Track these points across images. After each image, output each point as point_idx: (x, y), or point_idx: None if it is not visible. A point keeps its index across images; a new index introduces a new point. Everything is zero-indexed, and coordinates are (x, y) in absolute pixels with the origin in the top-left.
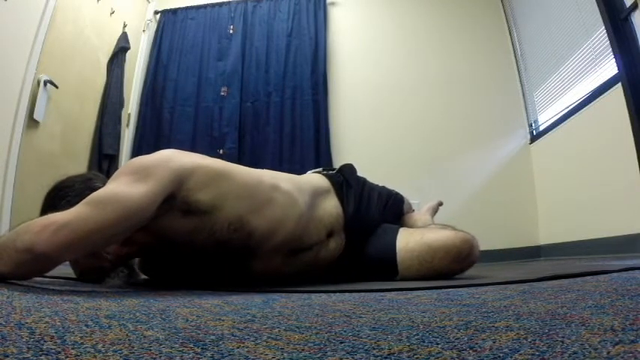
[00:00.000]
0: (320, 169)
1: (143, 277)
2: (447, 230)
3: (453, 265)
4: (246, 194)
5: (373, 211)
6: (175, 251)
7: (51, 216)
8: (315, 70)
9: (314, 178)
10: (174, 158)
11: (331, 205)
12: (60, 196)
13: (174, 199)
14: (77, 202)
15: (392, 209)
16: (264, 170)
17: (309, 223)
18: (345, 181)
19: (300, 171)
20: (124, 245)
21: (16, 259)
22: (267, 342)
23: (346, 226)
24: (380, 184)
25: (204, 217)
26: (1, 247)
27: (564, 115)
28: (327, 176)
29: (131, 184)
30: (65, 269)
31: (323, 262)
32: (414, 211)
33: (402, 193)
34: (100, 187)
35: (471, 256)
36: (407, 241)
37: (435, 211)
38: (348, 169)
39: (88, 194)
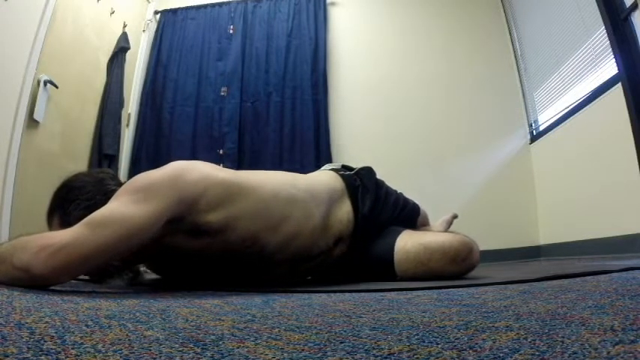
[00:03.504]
0: (339, 165)
1: (149, 277)
2: (446, 233)
3: (450, 266)
4: (261, 212)
5: (385, 217)
6: (185, 260)
7: (49, 236)
8: (315, 70)
9: (330, 180)
10: (182, 178)
11: (342, 212)
12: (69, 198)
13: (182, 222)
14: (87, 207)
15: (405, 218)
16: (281, 176)
17: (320, 233)
18: (363, 185)
19: (300, 171)
20: (131, 252)
21: (12, 274)
22: (267, 342)
23: (354, 232)
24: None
25: (216, 236)
26: (0, 258)
27: (564, 115)
28: (343, 177)
29: (133, 204)
30: None
31: (326, 265)
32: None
33: (401, 193)
34: (113, 190)
35: (469, 259)
36: (404, 242)
37: (449, 224)
38: (367, 172)
39: (100, 199)
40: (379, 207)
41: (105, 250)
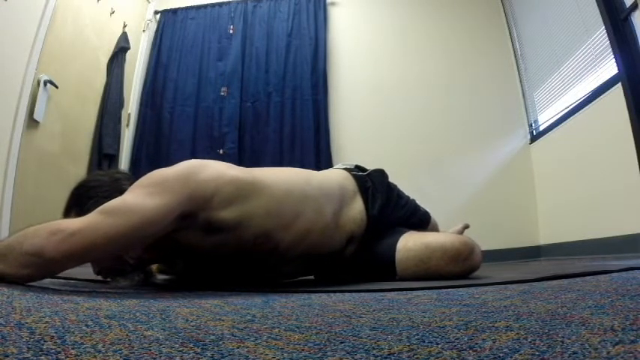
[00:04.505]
0: (352, 165)
1: (160, 278)
2: (449, 234)
3: (451, 266)
4: (274, 210)
5: (395, 219)
6: (198, 259)
7: (61, 222)
8: (315, 70)
9: (342, 179)
10: (194, 176)
11: (355, 211)
12: (88, 195)
13: (196, 218)
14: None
15: (415, 224)
16: (294, 173)
17: (333, 232)
18: (374, 186)
19: None
20: (146, 251)
21: (22, 261)
22: (267, 342)
23: (365, 233)
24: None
25: (229, 233)
26: (7, 249)
27: (564, 115)
28: (355, 177)
29: (145, 196)
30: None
31: (338, 264)
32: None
33: (414, 199)
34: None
35: (470, 260)
36: (407, 241)
37: (460, 234)
38: (379, 174)
39: (117, 197)
40: (389, 209)
41: (116, 237)
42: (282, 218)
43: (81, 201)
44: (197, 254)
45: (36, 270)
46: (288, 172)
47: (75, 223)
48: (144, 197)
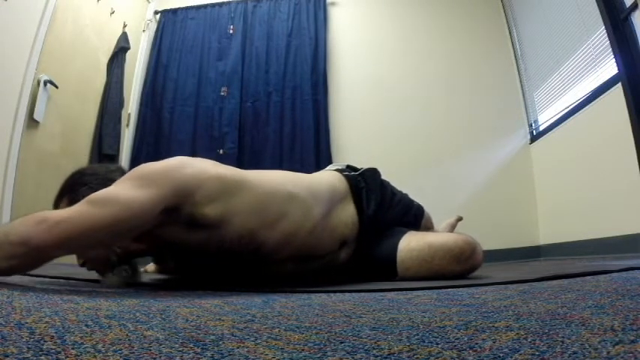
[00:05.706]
0: (344, 165)
1: (157, 278)
2: (451, 233)
3: (453, 265)
4: (258, 209)
5: (390, 218)
6: (185, 255)
7: (48, 212)
8: (315, 70)
9: (334, 181)
10: (181, 169)
11: (347, 214)
12: (82, 181)
13: (179, 213)
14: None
15: (410, 219)
16: (282, 175)
17: (322, 234)
18: (367, 186)
19: (300, 171)
20: (132, 243)
21: (9, 251)
22: (267, 342)
23: (359, 235)
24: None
25: (212, 230)
26: None
27: (564, 115)
28: (347, 178)
29: (131, 188)
30: (65, 269)
31: (332, 267)
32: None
33: (407, 194)
34: None
35: (472, 259)
36: (409, 241)
37: (453, 227)
38: (372, 173)
39: (110, 185)
40: (384, 208)
41: (101, 227)
42: (266, 217)
43: (74, 187)
44: (183, 251)
45: (22, 260)
46: (275, 174)
47: (61, 212)
48: (130, 189)
